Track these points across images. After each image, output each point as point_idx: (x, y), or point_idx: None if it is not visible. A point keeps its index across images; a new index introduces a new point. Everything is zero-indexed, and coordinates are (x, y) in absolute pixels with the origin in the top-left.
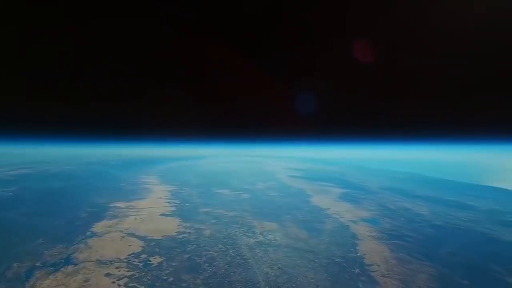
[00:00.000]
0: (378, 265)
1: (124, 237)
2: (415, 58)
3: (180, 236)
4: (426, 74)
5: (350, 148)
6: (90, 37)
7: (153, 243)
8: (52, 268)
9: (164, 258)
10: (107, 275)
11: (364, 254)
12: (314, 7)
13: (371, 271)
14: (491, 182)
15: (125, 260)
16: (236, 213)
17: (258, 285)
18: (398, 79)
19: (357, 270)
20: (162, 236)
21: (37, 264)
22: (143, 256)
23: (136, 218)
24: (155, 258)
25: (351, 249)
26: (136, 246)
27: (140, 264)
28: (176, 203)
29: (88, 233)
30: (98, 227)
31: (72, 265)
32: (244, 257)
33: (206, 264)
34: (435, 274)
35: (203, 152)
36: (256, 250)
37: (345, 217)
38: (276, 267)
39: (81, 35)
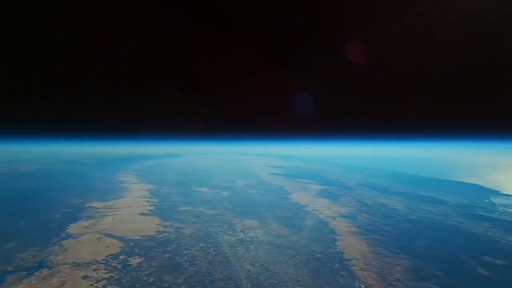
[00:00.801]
0: (357, 260)
1: (101, 238)
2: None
3: (160, 236)
4: (401, 72)
5: (328, 145)
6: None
7: (132, 244)
8: (25, 273)
9: (144, 259)
10: (84, 277)
11: (343, 249)
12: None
13: (350, 266)
14: (460, 177)
15: (103, 262)
16: (216, 211)
17: (240, 282)
18: (376, 78)
19: (336, 265)
20: (141, 236)
21: (9, 269)
22: (122, 257)
23: (113, 218)
24: (135, 258)
25: (331, 245)
26: (114, 247)
27: (119, 265)
28: (155, 202)
29: (63, 235)
30: (73, 228)
31: (47, 269)
32: (226, 255)
33: (187, 263)
34: (411, 267)
35: (182, 149)
36: (237, 248)
37: (324, 213)
38: (257, 264)
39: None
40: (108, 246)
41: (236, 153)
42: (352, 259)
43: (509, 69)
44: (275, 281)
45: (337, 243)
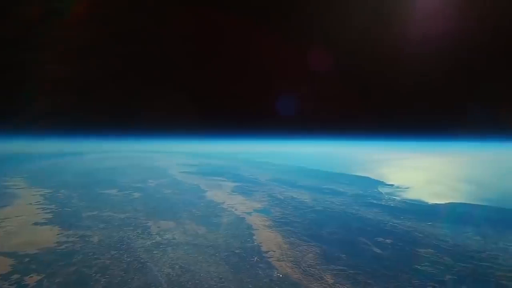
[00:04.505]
0: (273, 251)
1: None
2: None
3: (62, 247)
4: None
5: (236, 142)
6: None
7: (26, 259)
8: None
9: (44, 275)
10: None
11: (261, 243)
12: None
13: (268, 257)
14: (354, 171)
15: None
16: (127, 214)
17: (160, 287)
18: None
19: (255, 258)
20: (38, 249)
21: None
22: (15, 276)
23: None
24: (32, 276)
25: (248, 239)
26: (3, 265)
27: (12, 287)
28: (52, 208)
29: None
30: None
31: None
32: (142, 260)
33: (98, 275)
34: (320, 252)
35: (82, 147)
36: (154, 252)
37: (240, 209)
38: (177, 266)
39: None
40: None
41: (145, 151)
42: (269, 251)
43: (411, 71)
44: (197, 281)
45: (254, 237)
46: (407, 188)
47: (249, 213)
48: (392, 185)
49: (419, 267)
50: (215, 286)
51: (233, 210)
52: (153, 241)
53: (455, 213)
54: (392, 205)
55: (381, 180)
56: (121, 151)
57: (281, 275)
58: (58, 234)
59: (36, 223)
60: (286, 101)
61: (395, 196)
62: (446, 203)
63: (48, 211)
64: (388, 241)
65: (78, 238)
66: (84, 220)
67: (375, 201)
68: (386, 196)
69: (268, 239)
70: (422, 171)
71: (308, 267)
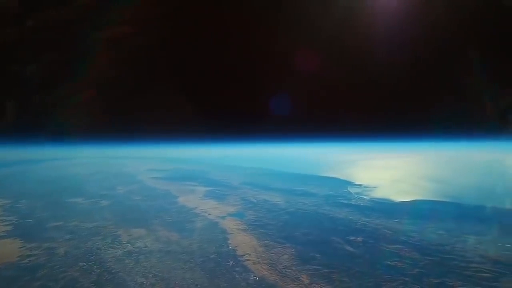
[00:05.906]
0: (249, 255)
1: None
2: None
3: (25, 261)
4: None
5: (208, 146)
6: None
7: None
8: None
9: None
10: None
11: (236, 246)
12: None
13: (244, 261)
14: (324, 173)
15: None
16: (96, 223)
17: None
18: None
19: (231, 263)
20: None
21: None
22: None
23: None
24: None
25: (223, 244)
26: None
27: None
28: (12, 220)
29: None
30: None
31: None
32: (113, 271)
33: None
34: (295, 253)
35: (42, 154)
36: (125, 261)
37: (213, 214)
38: (151, 275)
39: None
40: None
41: (112, 157)
42: (244, 255)
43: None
44: None
45: (229, 241)
46: (375, 187)
47: (223, 217)
48: (360, 185)
49: (389, 262)
50: None
51: (206, 215)
52: (124, 250)
53: (420, 210)
54: (361, 204)
55: (350, 181)
56: (86, 157)
57: (257, 278)
58: (20, 248)
59: None
60: (255, 104)
61: (364, 195)
62: (411, 201)
63: (7, 223)
64: (359, 239)
65: (43, 250)
66: (48, 231)
67: (345, 201)
68: (356, 196)
69: (243, 242)
70: (388, 171)
71: (284, 268)
